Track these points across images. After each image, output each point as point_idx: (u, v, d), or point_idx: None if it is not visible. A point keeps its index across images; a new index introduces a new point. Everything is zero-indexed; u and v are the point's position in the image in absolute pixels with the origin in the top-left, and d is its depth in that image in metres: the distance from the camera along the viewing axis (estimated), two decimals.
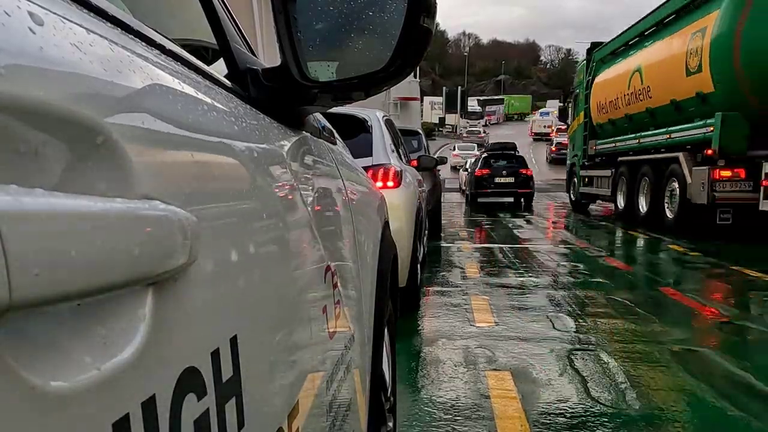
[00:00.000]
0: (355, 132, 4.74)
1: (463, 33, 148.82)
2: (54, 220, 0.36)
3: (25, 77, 0.36)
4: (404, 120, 17.92)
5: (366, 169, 2.97)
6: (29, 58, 0.37)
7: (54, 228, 0.35)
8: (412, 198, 4.99)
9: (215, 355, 0.54)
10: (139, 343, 0.42)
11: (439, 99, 53.76)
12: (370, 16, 0.98)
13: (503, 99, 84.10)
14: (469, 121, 59.62)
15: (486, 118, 70.83)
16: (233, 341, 0.58)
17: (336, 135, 1.68)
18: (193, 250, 0.50)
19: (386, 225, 2.04)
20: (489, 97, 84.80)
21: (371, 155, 4.69)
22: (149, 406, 0.42)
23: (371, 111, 5.18)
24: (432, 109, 60.80)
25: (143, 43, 0.60)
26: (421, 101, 30.92)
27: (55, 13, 0.43)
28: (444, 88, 50.48)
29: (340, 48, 1.00)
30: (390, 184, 4.57)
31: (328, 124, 1.57)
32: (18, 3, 0.39)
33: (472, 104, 63.69)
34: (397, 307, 2.24)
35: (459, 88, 47.83)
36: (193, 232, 0.51)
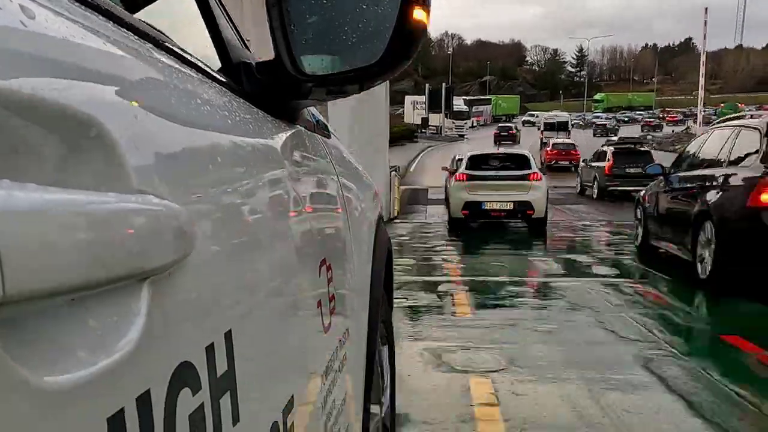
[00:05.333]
0: None
1: (446, 33, 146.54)
2: (47, 215, 0.35)
3: (16, 71, 0.36)
4: (369, 111, 11.09)
5: None
6: (21, 51, 0.37)
7: (47, 222, 0.35)
8: None
9: (210, 349, 0.54)
10: (133, 338, 0.42)
11: (422, 98, 48.74)
12: (363, 9, 0.98)
13: (491, 99, 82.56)
14: (455, 121, 54.97)
15: (474, 118, 67.45)
16: (228, 336, 0.58)
17: (330, 129, 1.68)
18: (187, 245, 0.50)
19: (380, 218, 2.04)
20: (476, 97, 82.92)
21: None
22: (144, 401, 0.42)
23: None
24: (414, 108, 55.56)
25: (136, 37, 0.60)
26: (403, 101, 29.50)
27: (46, 7, 0.42)
28: (427, 85, 47.14)
29: (334, 41, 1.00)
30: None
31: (322, 118, 1.57)
32: None
33: (458, 103, 58.87)
34: (391, 300, 2.24)
35: (443, 85, 44.51)
36: (187, 227, 0.50)
